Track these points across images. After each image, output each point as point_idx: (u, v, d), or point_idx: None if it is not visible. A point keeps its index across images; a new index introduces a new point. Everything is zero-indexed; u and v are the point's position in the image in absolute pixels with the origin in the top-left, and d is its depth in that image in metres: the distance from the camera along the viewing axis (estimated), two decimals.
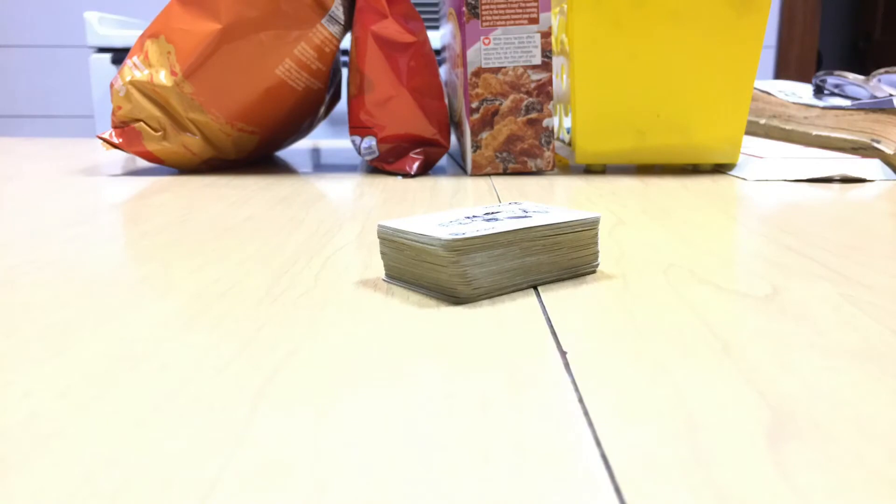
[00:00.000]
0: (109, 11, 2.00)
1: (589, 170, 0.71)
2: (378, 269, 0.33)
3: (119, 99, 0.66)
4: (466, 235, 0.27)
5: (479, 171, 0.67)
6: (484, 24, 0.64)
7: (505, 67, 0.65)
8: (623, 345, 0.24)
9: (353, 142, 0.71)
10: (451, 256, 0.27)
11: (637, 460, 0.16)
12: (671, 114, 0.66)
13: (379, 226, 0.31)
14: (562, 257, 0.31)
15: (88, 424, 0.18)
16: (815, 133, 0.75)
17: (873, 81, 0.79)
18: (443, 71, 0.85)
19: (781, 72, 2.07)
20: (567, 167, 0.74)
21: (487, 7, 0.64)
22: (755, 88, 0.88)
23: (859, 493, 0.15)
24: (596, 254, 0.32)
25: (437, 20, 1.82)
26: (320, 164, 0.77)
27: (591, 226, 0.31)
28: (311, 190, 0.58)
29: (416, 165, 0.67)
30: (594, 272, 0.32)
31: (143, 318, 0.26)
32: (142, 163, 0.78)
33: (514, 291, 0.29)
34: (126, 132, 0.67)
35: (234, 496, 0.15)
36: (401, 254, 0.30)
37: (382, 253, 0.31)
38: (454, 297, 0.28)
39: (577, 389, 0.20)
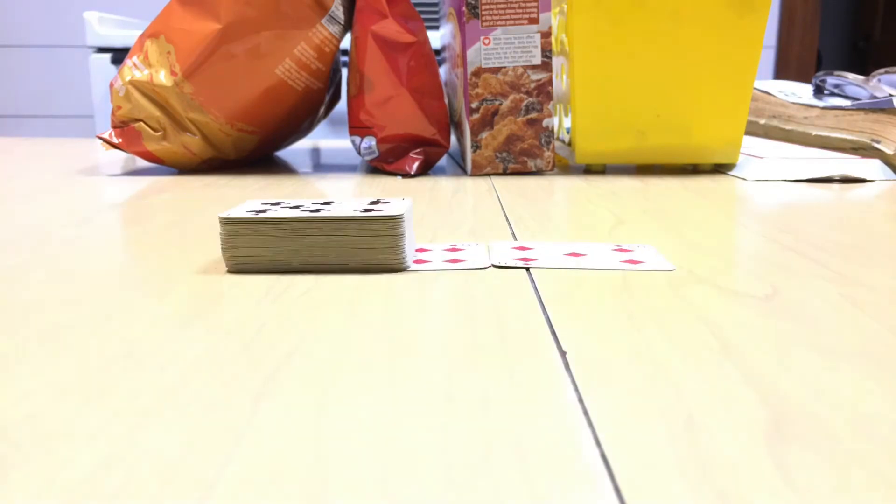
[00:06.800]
0: (109, 11, 2.00)
1: (589, 170, 0.71)
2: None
3: (119, 99, 0.66)
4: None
5: (478, 171, 0.67)
6: (484, 24, 0.64)
7: (505, 67, 0.65)
8: (623, 345, 0.24)
9: (352, 142, 0.71)
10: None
11: (637, 460, 0.16)
12: (671, 114, 0.66)
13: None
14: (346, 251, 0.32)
15: (88, 424, 0.18)
16: (814, 133, 0.75)
17: (873, 81, 0.79)
18: (443, 71, 0.85)
19: (781, 72, 2.07)
20: (567, 167, 0.74)
21: (487, 7, 0.64)
22: (755, 88, 0.88)
23: (859, 493, 0.15)
24: (396, 251, 0.32)
25: (437, 20, 1.82)
26: (320, 164, 0.77)
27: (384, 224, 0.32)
28: (311, 190, 0.58)
29: (415, 165, 0.67)
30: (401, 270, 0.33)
31: (143, 317, 0.26)
32: (142, 163, 0.78)
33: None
34: (126, 132, 0.67)
35: (234, 496, 0.15)
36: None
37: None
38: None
39: (577, 389, 0.20)
